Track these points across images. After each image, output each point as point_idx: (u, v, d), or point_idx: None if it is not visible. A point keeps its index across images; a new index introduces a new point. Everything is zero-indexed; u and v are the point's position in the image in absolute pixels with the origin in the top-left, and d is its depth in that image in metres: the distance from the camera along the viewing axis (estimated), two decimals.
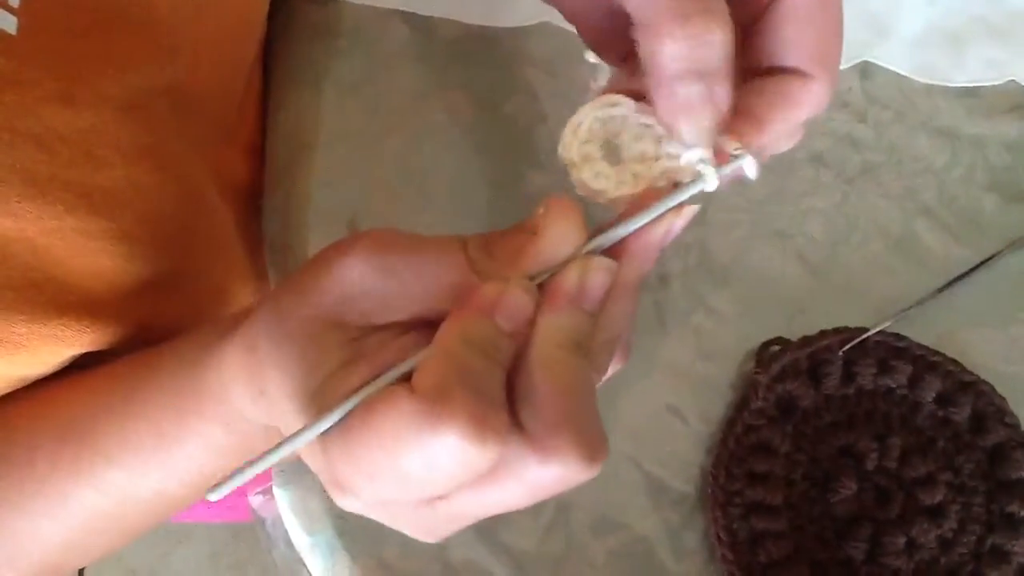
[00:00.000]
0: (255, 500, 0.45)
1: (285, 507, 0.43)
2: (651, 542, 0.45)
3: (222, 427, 0.32)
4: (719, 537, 0.45)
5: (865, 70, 0.54)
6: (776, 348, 0.48)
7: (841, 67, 0.35)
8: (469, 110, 0.53)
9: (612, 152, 0.31)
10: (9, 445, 0.36)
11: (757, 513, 0.45)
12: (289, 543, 0.44)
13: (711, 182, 0.29)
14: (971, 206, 0.51)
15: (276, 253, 0.50)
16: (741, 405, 0.47)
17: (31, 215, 0.33)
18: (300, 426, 0.27)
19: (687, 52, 0.27)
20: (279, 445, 0.27)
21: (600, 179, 0.31)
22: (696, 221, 0.30)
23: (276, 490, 0.42)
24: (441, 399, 0.24)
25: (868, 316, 0.48)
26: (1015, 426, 0.47)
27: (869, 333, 0.47)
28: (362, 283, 0.27)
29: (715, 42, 0.27)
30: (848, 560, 0.45)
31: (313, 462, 0.28)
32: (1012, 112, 0.53)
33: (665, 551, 0.45)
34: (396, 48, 0.54)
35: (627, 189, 0.31)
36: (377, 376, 0.27)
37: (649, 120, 0.31)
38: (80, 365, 0.38)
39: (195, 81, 0.42)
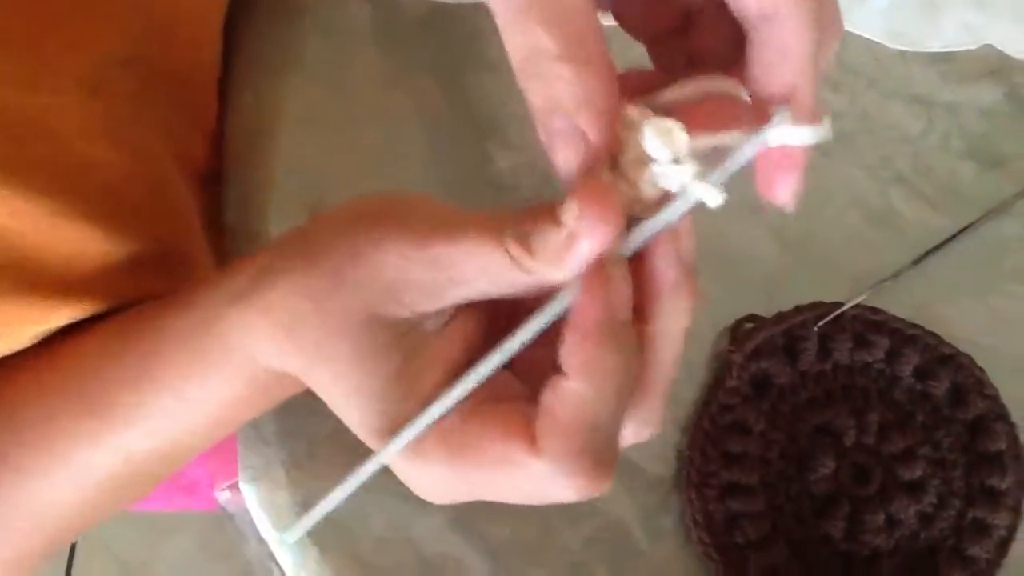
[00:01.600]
0: (222, 496, 0.44)
1: (253, 503, 0.42)
2: (627, 526, 0.44)
3: (244, 383, 0.32)
4: (695, 519, 0.44)
5: None
6: (750, 326, 0.47)
7: None
8: (435, 90, 0.51)
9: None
10: (19, 418, 0.35)
11: (733, 494, 0.44)
12: (260, 538, 0.43)
13: (712, 197, 0.28)
14: (948, 174, 0.50)
15: (238, 239, 0.49)
16: (715, 385, 0.46)
17: None
18: (360, 422, 0.28)
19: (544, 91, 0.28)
20: (370, 462, 0.28)
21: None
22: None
23: (243, 485, 0.42)
24: (571, 471, 0.26)
25: (845, 290, 0.47)
26: (994, 398, 0.46)
27: (844, 307, 0.46)
28: (404, 276, 0.27)
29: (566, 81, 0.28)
30: (827, 538, 0.44)
31: (393, 463, 0.29)
32: (987, 77, 0.51)
33: (641, 534, 0.44)
34: (359, 27, 0.52)
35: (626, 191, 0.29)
36: (452, 376, 0.28)
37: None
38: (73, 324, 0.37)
39: (163, 60, 0.41)
